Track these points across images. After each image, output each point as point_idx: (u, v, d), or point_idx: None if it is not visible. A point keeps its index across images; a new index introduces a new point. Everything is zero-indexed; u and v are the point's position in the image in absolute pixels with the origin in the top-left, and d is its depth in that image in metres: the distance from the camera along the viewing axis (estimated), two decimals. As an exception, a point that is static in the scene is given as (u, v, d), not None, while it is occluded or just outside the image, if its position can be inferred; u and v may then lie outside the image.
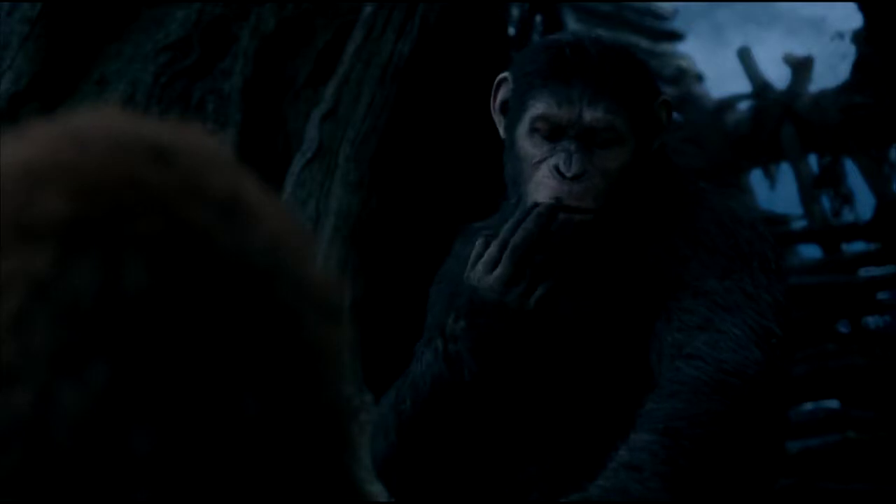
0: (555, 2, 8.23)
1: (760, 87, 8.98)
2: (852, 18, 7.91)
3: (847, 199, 8.43)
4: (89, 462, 0.66)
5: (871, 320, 7.26)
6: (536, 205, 2.08)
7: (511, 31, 7.22)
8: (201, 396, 0.68)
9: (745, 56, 9.16)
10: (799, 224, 8.38)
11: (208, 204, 0.71)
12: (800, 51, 9.04)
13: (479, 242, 2.15)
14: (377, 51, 4.56)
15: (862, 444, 5.99)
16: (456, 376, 2.13)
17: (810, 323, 6.85)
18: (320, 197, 4.42)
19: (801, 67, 8.87)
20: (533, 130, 2.13)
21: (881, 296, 7.28)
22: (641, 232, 2.17)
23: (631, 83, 2.15)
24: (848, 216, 8.39)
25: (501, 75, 2.24)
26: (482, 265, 2.10)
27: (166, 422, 0.67)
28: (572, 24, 8.44)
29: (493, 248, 2.10)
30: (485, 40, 4.97)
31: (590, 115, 2.11)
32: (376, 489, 2.98)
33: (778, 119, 8.64)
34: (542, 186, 2.10)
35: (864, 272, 7.50)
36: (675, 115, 2.25)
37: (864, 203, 8.21)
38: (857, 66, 8.06)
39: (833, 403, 6.59)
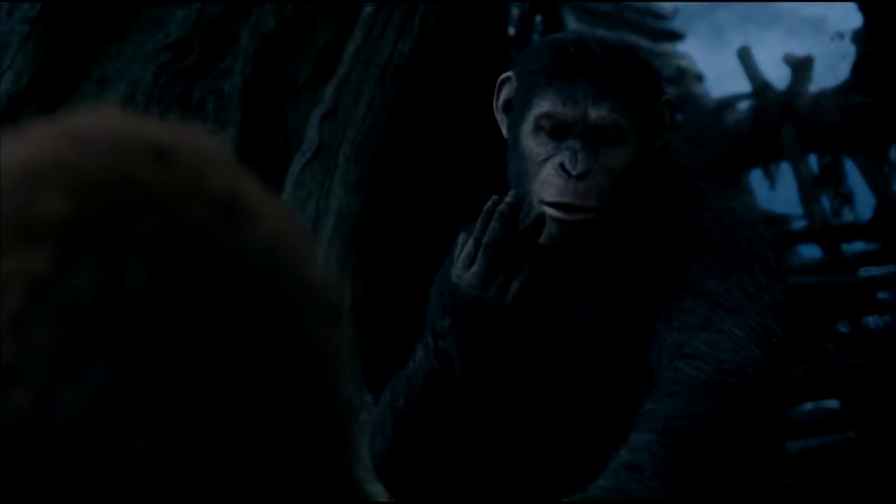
0: (555, 2, 8.23)
1: (760, 87, 8.98)
2: (852, 18, 7.91)
3: (847, 199, 8.43)
4: (89, 462, 0.66)
5: (871, 320, 7.26)
6: (500, 201, 2.08)
7: (511, 31, 7.22)
8: (201, 396, 0.68)
9: (745, 56, 9.16)
10: (799, 224, 8.38)
11: (208, 204, 0.71)
12: (800, 51, 9.04)
13: (460, 239, 2.15)
14: (377, 51, 4.56)
15: (862, 444, 5.99)
16: (447, 372, 2.14)
17: (810, 323, 6.85)
18: (320, 197, 4.42)
19: (801, 67, 8.87)
20: (538, 129, 2.13)
21: (881, 296, 7.28)
22: (643, 231, 2.17)
23: (635, 82, 2.15)
24: (848, 216, 8.40)
25: (504, 74, 2.24)
26: (461, 262, 2.10)
27: (166, 422, 0.67)
28: (572, 24, 8.44)
29: (469, 245, 2.10)
30: (485, 40, 4.97)
31: (595, 113, 2.11)
32: (376, 489, 2.98)
33: (778, 119, 8.64)
34: (547, 185, 2.10)
35: (864, 272, 7.50)
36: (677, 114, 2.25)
37: (864, 203, 8.21)
38: (857, 66, 8.07)
39: (833, 403, 6.58)
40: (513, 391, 2.21)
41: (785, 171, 8.78)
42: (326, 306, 0.74)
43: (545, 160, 2.12)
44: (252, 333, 0.70)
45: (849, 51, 8.14)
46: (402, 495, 2.29)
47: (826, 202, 8.43)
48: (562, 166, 2.10)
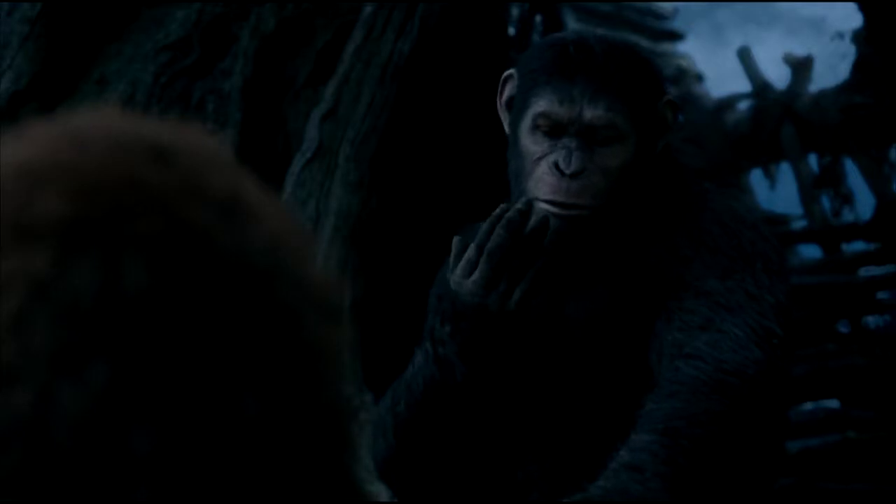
0: (555, 2, 8.23)
1: (760, 87, 8.98)
2: (852, 18, 7.91)
3: (847, 199, 8.43)
4: (89, 462, 0.66)
5: (871, 320, 7.26)
6: (507, 209, 2.07)
7: (511, 31, 7.23)
8: (201, 396, 0.68)
9: (745, 56, 9.16)
10: (799, 224, 8.39)
11: (208, 204, 0.71)
12: (800, 51, 9.05)
13: (454, 243, 2.14)
14: (377, 50, 4.56)
15: (862, 444, 6.00)
16: (447, 378, 2.13)
17: (810, 323, 6.85)
18: (320, 197, 4.41)
19: (801, 67, 8.87)
20: (535, 127, 2.14)
21: (881, 296, 7.28)
22: (644, 231, 2.17)
23: (634, 81, 2.15)
24: (848, 216, 8.40)
25: (507, 72, 2.25)
26: (460, 269, 2.09)
27: (166, 422, 0.67)
28: (572, 23, 8.44)
29: (470, 252, 2.08)
30: (485, 40, 4.97)
31: (590, 112, 2.11)
32: (376, 489, 2.98)
33: (778, 119, 8.64)
34: (541, 183, 2.11)
35: (864, 272, 7.50)
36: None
37: (864, 203, 8.22)
38: (857, 66, 8.07)
39: (833, 403, 6.59)
40: (513, 391, 2.21)
41: (785, 171, 8.78)
42: (326, 306, 0.74)
43: (540, 158, 2.12)
44: (252, 333, 0.70)
45: (849, 51, 8.14)
46: (405, 496, 2.29)
47: (826, 202, 8.43)
48: (556, 165, 2.10)
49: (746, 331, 2.02)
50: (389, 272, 4.41)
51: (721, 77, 9.67)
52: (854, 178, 8.33)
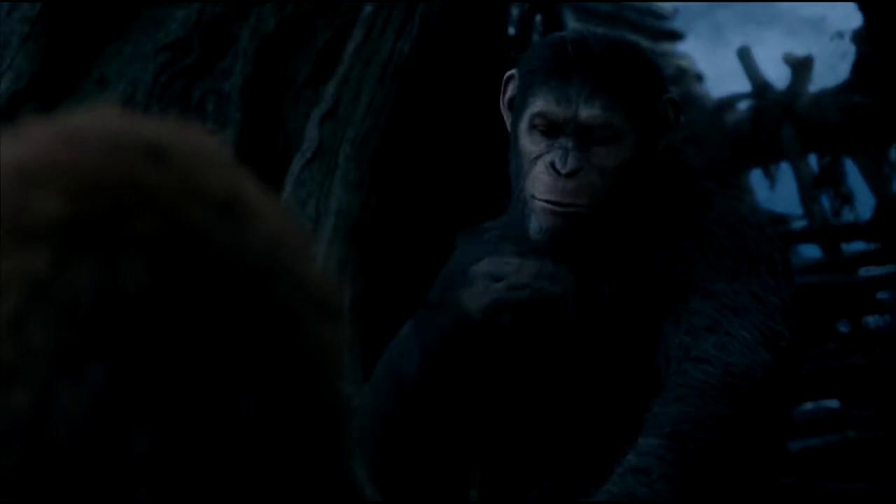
0: (555, 2, 8.23)
1: (760, 87, 8.98)
2: (852, 18, 7.91)
3: (847, 199, 8.43)
4: (89, 462, 0.66)
5: (871, 320, 7.26)
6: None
7: (511, 31, 7.23)
8: (201, 396, 0.68)
9: (745, 56, 9.16)
10: (799, 224, 8.38)
11: (207, 204, 0.71)
12: (800, 51, 9.04)
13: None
14: (377, 50, 4.56)
15: (862, 443, 5.99)
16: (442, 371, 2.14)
17: (810, 323, 6.84)
18: (320, 197, 4.41)
19: (801, 67, 8.87)
20: (532, 127, 2.14)
21: (881, 296, 7.27)
22: (647, 231, 2.16)
23: (633, 80, 2.15)
24: (848, 216, 8.40)
25: (509, 72, 2.25)
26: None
27: (166, 421, 0.67)
28: (572, 23, 8.44)
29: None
30: (485, 40, 4.97)
31: (586, 112, 2.11)
32: (377, 489, 2.98)
33: (778, 119, 8.64)
34: (537, 182, 2.11)
35: (864, 272, 7.49)
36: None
37: (864, 203, 8.21)
38: (857, 66, 8.06)
39: (833, 403, 6.58)
40: (514, 391, 2.21)
41: (785, 171, 8.77)
42: (326, 306, 0.74)
43: (537, 158, 2.13)
44: (251, 333, 0.70)
45: (849, 51, 8.13)
46: (395, 495, 2.29)
47: (826, 202, 8.43)
48: (552, 165, 2.11)
49: (754, 333, 2.01)
50: (389, 272, 4.41)
51: (721, 77, 9.66)
52: (854, 178, 8.33)
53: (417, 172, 4.63)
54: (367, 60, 4.56)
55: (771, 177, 8.96)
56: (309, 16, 4.83)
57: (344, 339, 0.75)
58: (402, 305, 3.67)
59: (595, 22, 8.67)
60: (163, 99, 4.69)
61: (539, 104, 2.13)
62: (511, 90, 2.23)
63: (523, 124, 2.16)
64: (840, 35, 8.25)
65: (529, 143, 2.15)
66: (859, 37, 7.93)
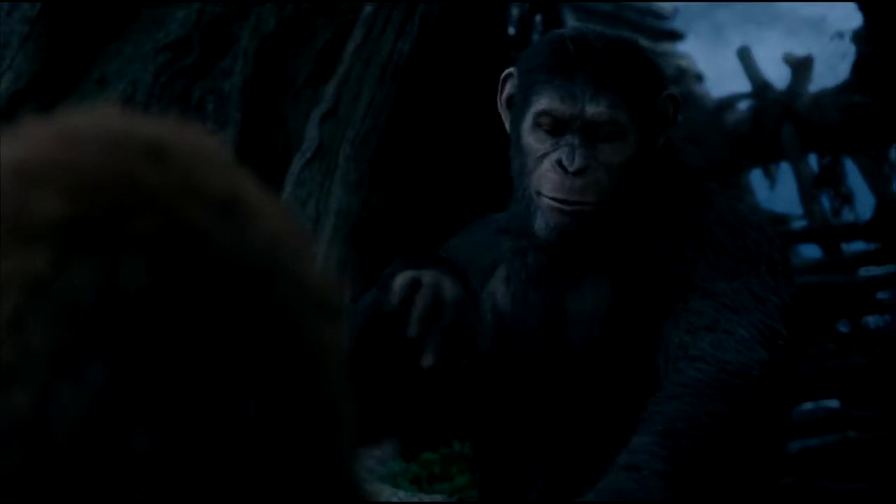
0: (555, 2, 8.24)
1: (760, 87, 8.99)
2: (852, 18, 7.91)
3: (847, 199, 8.44)
4: (89, 462, 0.66)
5: (871, 320, 7.26)
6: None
7: (511, 31, 7.23)
8: (201, 396, 0.68)
9: (745, 56, 9.17)
10: (799, 224, 8.39)
11: (207, 203, 0.71)
12: (800, 51, 9.05)
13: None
14: (377, 50, 4.57)
15: (862, 443, 6.00)
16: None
17: (810, 323, 6.84)
18: (320, 197, 4.42)
19: (801, 67, 8.88)
20: (536, 125, 2.14)
21: (881, 296, 7.28)
22: (647, 228, 2.17)
23: (634, 77, 2.15)
24: (848, 216, 8.40)
25: (507, 70, 2.25)
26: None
27: (166, 421, 0.67)
28: (572, 23, 8.44)
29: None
30: (485, 40, 4.98)
31: (592, 109, 2.11)
32: (376, 489, 2.98)
33: (778, 119, 8.65)
34: (544, 181, 2.11)
35: (864, 272, 7.50)
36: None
37: (864, 203, 8.22)
38: (857, 66, 8.07)
39: (833, 403, 6.59)
40: (512, 388, 2.21)
41: (785, 171, 8.78)
42: (326, 306, 0.74)
43: (543, 156, 2.13)
44: (251, 333, 0.70)
45: (849, 51, 8.14)
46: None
47: (826, 202, 8.44)
48: (559, 163, 2.11)
49: (752, 332, 2.01)
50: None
51: (721, 77, 9.67)
52: (854, 178, 8.34)
53: (417, 172, 4.63)
54: (367, 60, 4.56)
55: (771, 177, 8.96)
56: (309, 16, 4.83)
57: (344, 339, 0.75)
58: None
59: (595, 22, 8.67)
60: (163, 99, 4.69)
61: (543, 102, 2.13)
62: (509, 88, 2.24)
63: (527, 122, 2.16)
64: (840, 35, 8.26)
65: (534, 141, 2.15)
66: (859, 37, 7.93)
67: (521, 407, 2.21)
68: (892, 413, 6.11)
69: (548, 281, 2.20)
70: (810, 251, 8.16)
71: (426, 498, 4.16)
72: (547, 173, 2.11)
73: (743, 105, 9.09)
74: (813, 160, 8.60)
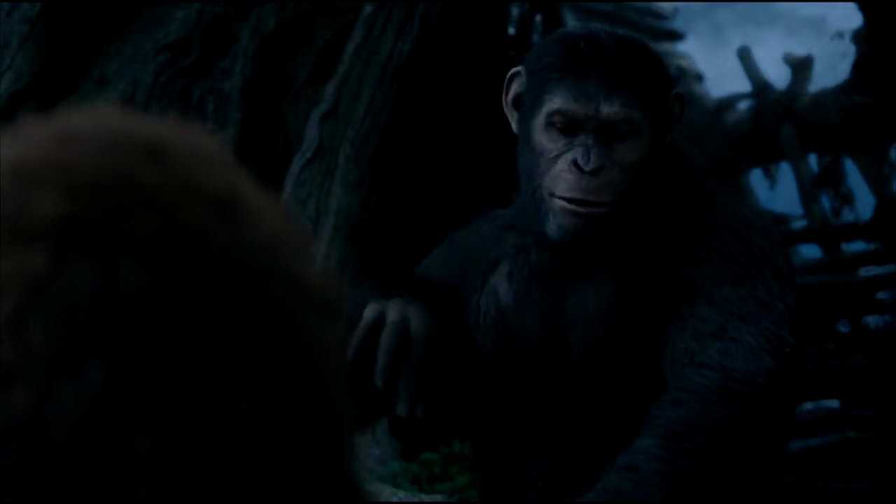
0: (555, 2, 8.24)
1: (760, 87, 8.99)
2: (852, 18, 7.91)
3: (847, 199, 8.44)
4: (89, 462, 0.66)
5: (871, 320, 7.26)
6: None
7: (511, 31, 7.23)
8: (200, 396, 0.68)
9: (745, 56, 9.17)
10: (799, 224, 8.39)
11: (206, 203, 0.71)
12: (800, 51, 9.05)
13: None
14: (377, 50, 4.57)
15: (862, 443, 6.00)
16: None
17: (810, 323, 6.84)
18: (320, 197, 4.42)
19: (801, 67, 8.88)
20: (549, 125, 2.13)
21: (881, 296, 7.28)
22: (651, 229, 2.16)
23: (646, 76, 2.15)
24: (848, 216, 8.41)
25: (514, 69, 2.24)
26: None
27: (165, 421, 0.67)
28: (572, 23, 8.44)
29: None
30: (485, 40, 4.97)
31: (607, 108, 2.11)
32: (376, 489, 2.98)
33: (778, 119, 8.65)
34: (560, 180, 2.10)
35: (864, 272, 7.50)
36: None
37: (864, 203, 8.22)
38: (857, 66, 8.07)
39: (833, 403, 6.59)
40: (513, 385, 2.21)
41: (785, 171, 8.79)
42: (325, 306, 0.74)
43: (557, 156, 2.12)
44: (250, 333, 0.70)
45: (849, 51, 8.14)
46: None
47: (826, 202, 8.44)
48: (574, 163, 2.10)
49: (760, 339, 2.01)
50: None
51: (721, 77, 9.67)
52: (854, 178, 8.34)
53: (417, 172, 4.63)
54: (367, 60, 4.56)
55: (771, 177, 8.96)
56: (309, 16, 4.83)
57: (343, 339, 0.75)
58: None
59: (595, 22, 8.67)
60: (163, 99, 4.69)
61: (557, 101, 2.12)
62: (517, 88, 2.22)
63: (538, 122, 2.15)
64: (840, 35, 8.26)
65: (547, 141, 2.14)
66: (859, 37, 7.93)
67: (521, 405, 2.21)
68: (892, 413, 6.11)
69: (550, 279, 2.20)
70: (810, 251, 8.16)
71: (426, 498, 4.16)
72: (562, 173, 2.10)
73: (743, 105, 9.10)
74: (813, 160, 8.60)
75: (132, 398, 0.67)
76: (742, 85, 9.11)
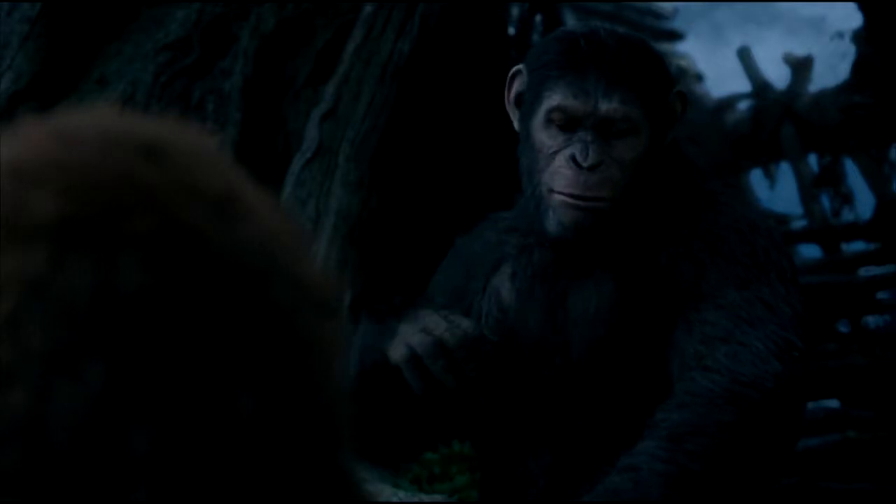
0: (555, 1, 8.24)
1: (760, 87, 8.99)
2: (852, 18, 7.91)
3: (847, 198, 8.44)
4: (87, 461, 0.66)
5: (871, 320, 7.26)
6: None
7: (511, 31, 7.23)
8: (198, 395, 0.68)
9: (745, 56, 9.17)
10: (799, 224, 8.39)
11: (204, 203, 0.71)
12: (800, 51, 9.05)
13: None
14: (377, 50, 4.57)
15: (862, 443, 5.99)
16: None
17: (812, 323, 6.83)
18: (320, 197, 4.42)
19: (801, 67, 8.88)
20: (548, 122, 2.14)
21: (881, 296, 7.28)
22: (654, 228, 2.16)
23: (646, 74, 2.15)
24: (848, 216, 8.41)
25: (515, 67, 2.24)
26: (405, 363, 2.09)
27: (164, 421, 0.67)
28: (572, 23, 8.44)
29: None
30: (485, 40, 4.97)
31: (606, 105, 2.11)
32: (376, 489, 2.98)
33: (778, 119, 8.65)
34: (557, 176, 2.11)
35: (864, 272, 7.50)
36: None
37: (864, 203, 8.22)
38: (857, 66, 8.07)
39: (833, 403, 6.59)
40: (514, 384, 2.21)
41: (785, 171, 8.79)
42: (323, 304, 0.74)
43: (556, 152, 2.12)
44: (248, 332, 0.70)
45: (849, 51, 8.14)
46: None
47: (826, 202, 8.44)
48: (572, 158, 2.10)
49: (767, 344, 2.01)
50: (389, 272, 4.41)
51: (721, 77, 9.67)
52: (854, 178, 8.34)
53: (417, 172, 4.63)
54: (367, 60, 4.56)
55: (771, 177, 8.96)
56: (309, 16, 4.83)
57: (342, 338, 0.75)
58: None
59: (595, 21, 8.67)
60: (163, 99, 4.69)
61: (556, 98, 2.13)
62: (518, 86, 2.23)
63: (538, 119, 2.15)
64: (840, 35, 8.26)
65: (546, 138, 2.14)
66: (859, 37, 7.93)
67: (523, 404, 2.21)
68: (892, 413, 6.11)
69: (552, 277, 2.20)
70: (810, 251, 8.16)
71: (426, 498, 4.16)
72: (560, 169, 2.11)
73: (743, 105, 9.10)
74: (813, 160, 8.60)
75: (131, 398, 0.67)
76: (742, 85, 9.12)
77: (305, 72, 4.80)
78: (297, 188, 4.43)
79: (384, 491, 3.19)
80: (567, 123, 2.12)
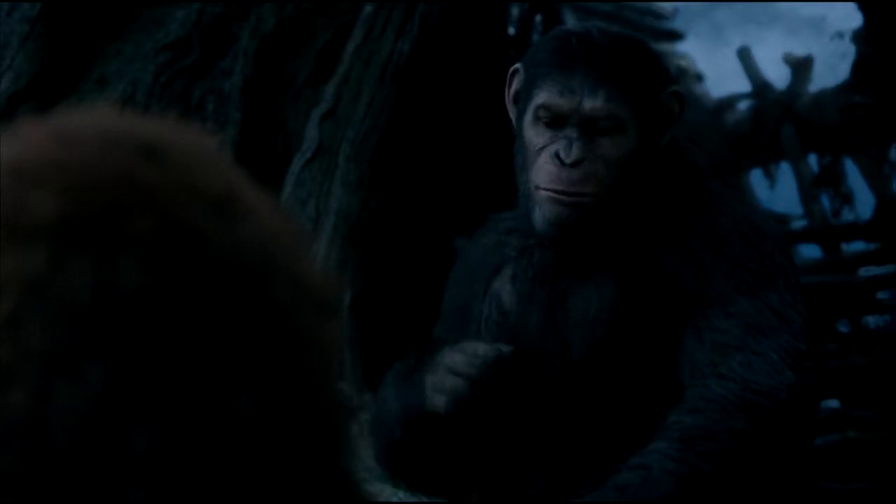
0: (555, 1, 8.23)
1: (760, 87, 8.98)
2: (852, 18, 7.91)
3: (847, 198, 8.43)
4: (87, 461, 0.66)
5: (871, 320, 7.26)
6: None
7: (511, 31, 7.23)
8: (198, 395, 0.68)
9: (745, 56, 9.17)
10: (799, 224, 8.39)
11: (204, 203, 0.71)
12: (800, 51, 9.05)
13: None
14: (377, 50, 4.56)
15: (862, 443, 5.99)
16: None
17: (810, 323, 6.83)
18: (320, 197, 4.41)
19: (801, 67, 8.87)
20: (536, 119, 2.16)
21: (881, 296, 7.28)
22: (654, 228, 2.17)
23: (636, 72, 2.15)
24: (848, 216, 8.40)
25: (514, 66, 2.26)
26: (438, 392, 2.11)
27: (163, 420, 0.67)
28: (572, 23, 8.44)
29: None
30: (485, 40, 4.97)
31: (590, 103, 2.12)
32: (376, 488, 2.98)
33: (778, 119, 8.65)
34: (542, 172, 2.13)
35: (864, 272, 7.50)
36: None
37: (864, 203, 8.22)
38: (857, 66, 8.06)
39: (833, 403, 6.58)
40: (514, 386, 2.21)
41: (785, 171, 8.78)
42: (323, 304, 0.74)
43: (542, 149, 2.14)
44: (247, 332, 0.70)
45: (849, 51, 8.13)
46: (407, 481, 2.31)
47: (826, 202, 8.44)
48: (556, 155, 2.12)
49: (781, 354, 2.03)
50: (389, 272, 4.41)
51: (721, 77, 9.67)
52: (854, 178, 8.34)
53: (417, 172, 4.63)
54: (367, 60, 4.56)
55: (771, 177, 8.96)
56: (309, 16, 4.83)
57: (341, 338, 0.75)
58: (402, 305, 3.66)
59: (595, 21, 8.67)
60: (163, 99, 4.69)
61: (543, 96, 2.15)
62: (516, 84, 2.25)
63: (528, 117, 2.17)
64: (840, 35, 8.25)
65: (534, 135, 2.16)
66: (859, 37, 7.93)
67: (523, 406, 2.21)
68: (892, 413, 6.11)
69: (553, 279, 2.20)
70: (810, 251, 8.16)
71: (426, 498, 4.16)
72: (544, 165, 2.13)
73: (743, 105, 9.09)
74: (813, 160, 8.60)
75: (131, 398, 0.67)
76: (742, 85, 9.11)
77: (305, 72, 4.79)
78: (297, 188, 4.43)
79: (384, 491, 3.19)
80: (553, 121, 2.14)
